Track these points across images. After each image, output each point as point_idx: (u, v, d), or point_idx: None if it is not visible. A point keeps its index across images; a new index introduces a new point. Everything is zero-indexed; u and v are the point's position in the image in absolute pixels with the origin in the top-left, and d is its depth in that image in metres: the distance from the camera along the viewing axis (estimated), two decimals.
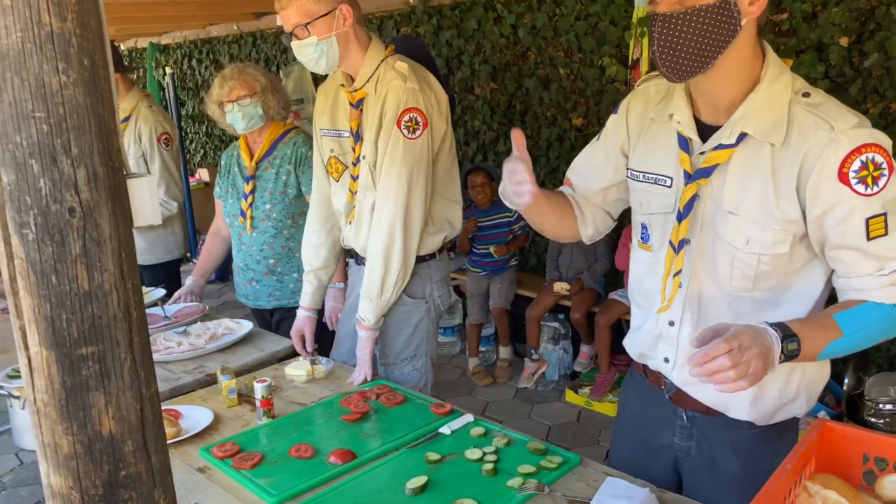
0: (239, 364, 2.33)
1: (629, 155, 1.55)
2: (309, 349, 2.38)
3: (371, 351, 2.16)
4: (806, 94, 1.31)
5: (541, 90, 4.45)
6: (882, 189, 1.24)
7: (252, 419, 1.96)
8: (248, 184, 2.73)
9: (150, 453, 1.13)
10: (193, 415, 1.96)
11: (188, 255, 7.25)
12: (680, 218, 1.41)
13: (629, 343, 1.67)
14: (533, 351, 4.16)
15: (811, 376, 1.48)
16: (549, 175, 4.54)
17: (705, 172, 1.37)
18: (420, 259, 2.18)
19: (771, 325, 1.23)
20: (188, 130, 7.81)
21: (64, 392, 1.05)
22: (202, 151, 7.83)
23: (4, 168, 0.98)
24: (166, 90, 7.13)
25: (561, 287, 4.00)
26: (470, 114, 4.88)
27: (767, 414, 1.47)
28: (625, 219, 1.68)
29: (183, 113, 7.58)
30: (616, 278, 4.07)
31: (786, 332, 1.22)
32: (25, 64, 0.95)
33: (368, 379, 2.14)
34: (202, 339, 2.50)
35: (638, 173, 1.51)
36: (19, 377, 2.15)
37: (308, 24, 1.97)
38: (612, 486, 1.48)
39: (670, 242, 1.44)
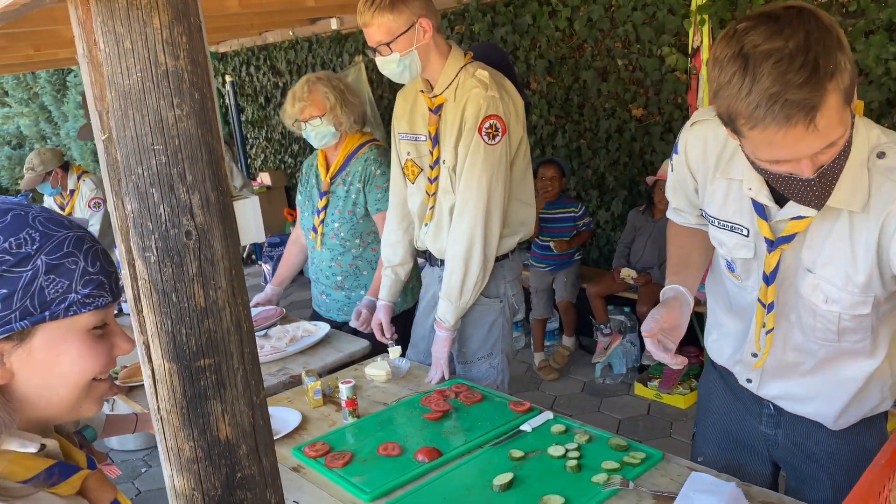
0: (319, 365, 2.42)
1: (700, 197, 1.52)
2: (387, 335, 2.44)
3: (448, 351, 2.22)
4: (881, 155, 1.24)
5: (598, 82, 4.43)
6: None
7: (338, 419, 2.04)
8: (321, 199, 2.76)
9: (261, 456, 1.21)
10: (282, 416, 2.05)
11: (253, 256, 7.48)
12: (768, 281, 1.40)
13: (711, 348, 1.69)
14: (603, 326, 4.17)
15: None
16: (610, 167, 4.53)
17: (786, 239, 1.35)
18: (495, 259, 2.23)
19: None
20: (248, 136, 8.02)
21: (185, 401, 1.13)
22: (262, 156, 8.03)
23: (128, 197, 1.07)
24: (227, 98, 7.35)
25: (628, 273, 3.98)
26: (527, 109, 4.89)
27: (851, 420, 1.51)
28: None
29: (243, 119, 7.79)
30: None
31: None
32: (145, 101, 1.03)
33: (446, 378, 2.20)
34: (283, 341, 2.60)
35: (713, 218, 1.48)
36: None
37: (390, 42, 2.04)
38: (697, 482, 1.50)
39: (759, 301, 1.43)
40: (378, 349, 2.51)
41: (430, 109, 2.19)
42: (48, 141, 10.74)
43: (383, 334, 2.46)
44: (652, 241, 3.97)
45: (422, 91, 2.23)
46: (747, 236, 1.42)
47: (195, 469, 1.16)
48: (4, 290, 0.77)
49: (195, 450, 1.15)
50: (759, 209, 1.36)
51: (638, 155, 4.37)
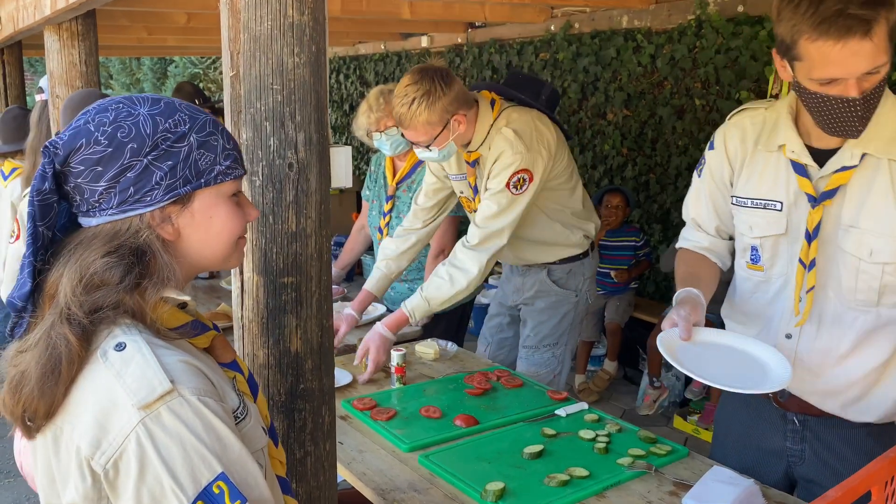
0: None
1: (734, 184, 1.63)
2: (336, 343, 2.45)
3: (394, 335, 2.30)
4: None
5: (674, 119, 4.52)
6: None
7: (386, 385, 2.19)
8: (388, 203, 2.93)
9: (322, 374, 1.36)
10: (335, 374, 2.20)
11: None
12: (809, 239, 1.48)
13: None
14: (655, 378, 4.18)
15: None
16: (676, 203, 4.59)
17: (830, 194, 1.45)
18: (575, 258, 2.44)
19: None
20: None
21: (266, 312, 1.30)
22: None
23: (245, 127, 1.25)
24: None
25: None
26: (600, 138, 5.01)
27: (888, 414, 1.52)
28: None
29: None
30: None
31: None
32: (271, 46, 1.21)
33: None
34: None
35: (745, 199, 1.59)
36: None
37: (429, 144, 2.22)
38: (717, 474, 1.57)
39: (800, 261, 1.51)
40: (427, 334, 2.66)
41: (468, 163, 2.35)
42: None
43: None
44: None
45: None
46: (780, 210, 1.52)
47: (265, 374, 1.32)
48: (170, 162, 0.94)
49: (268, 357, 1.31)
50: (801, 170, 1.48)
51: None
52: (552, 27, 5.19)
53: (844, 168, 1.43)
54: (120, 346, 0.88)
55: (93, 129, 0.92)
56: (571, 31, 5.06)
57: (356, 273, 5.40)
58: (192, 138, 0.96)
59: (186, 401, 0.87)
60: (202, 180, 0.96)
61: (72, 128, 0.94)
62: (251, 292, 1.30)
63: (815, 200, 1.47)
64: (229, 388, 0.98)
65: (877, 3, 1.24)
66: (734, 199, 1.63)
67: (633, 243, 4.36)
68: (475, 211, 2.40)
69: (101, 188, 0.92)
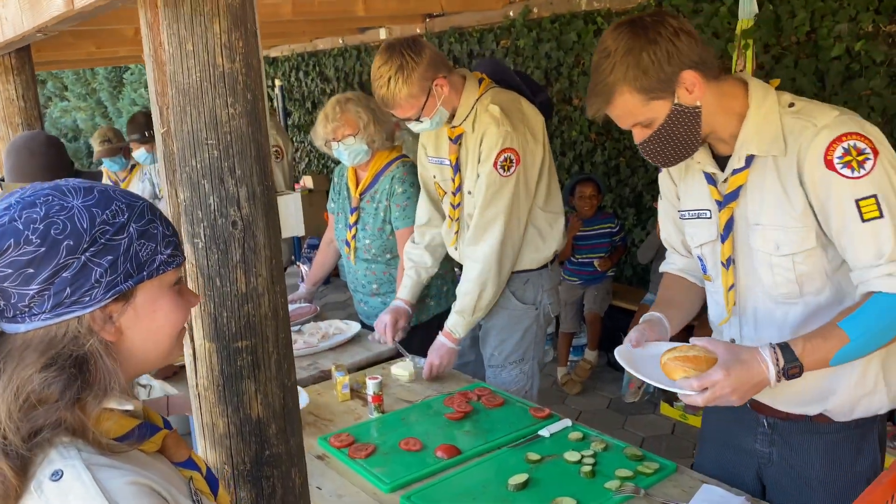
0: (349, 362, 2.50)
1: (680, 198, 1.70)
2: (388, 340, 2.49)
3: (451, 361, 2.33)
4: (791, 105, 1.46)
5: None
6: (869, 172, 1.34)
7: (363, 413, 2.12)
8: (352, 215, 2.81)
9: (289, 436, 1.29)
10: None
11: (293, 258, 7.62)
12: (723, 239, 1.56)
13: None
14: None
15: (890, 368, 1.50)
16: (648, 186, 4.55)
17: (733, 196, 1.52)
18: (532, 270, 2.34)
19: (775, 346, 1.37)
20: (294, 139, 8.20)
21: (222, 379, 1.22)
22: (307, 160, 8.21)
23: (182, 187, 1.16)
24: (275, 101, 7.53)
25: None
26: (567, 124, 4.95)
27: (845, 407, 1.51)
28: None
29: (290, 123, 7.98)
30: None
31: (787, 357, 1.35)
32: (202, 99, 1.13)
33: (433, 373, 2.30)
34: (315, 337, 2.69)
35: (685, 212, 1.67)
36: None
37: (419, 116, 2.16)
38: (707, 493, 1.54)
39: (722, 263, 1.58)
40: (404, 346, 2.58)
41: (451, 139, 2.29)
42: None
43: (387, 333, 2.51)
44: None
45: None
46: (710, 218, 1.60)
47: (227, 444, 1.24)
48: (110, 257, 0.85)
49: (228, 426, 1.23)
50: (709, 178, 1.57)
51: None
52: (511, 13, 5.09)
53: (736, 171, 1.50)
54: (56, 475, 0.79)
55: (21, 227, 0.82)
56: (531, 16, 4.97)
57: (332, 275, 5.32)
58: (131, 228, 0.87)
59: None
60: (144, 272, 0.88)
61: None
62: (204, 359, 1.22)
63: (720, 204, 1.55)
64: (184, 496, 0.90)
65: (617, 78, 1.41)
66: (680, 213, 1.70)
67: (609, 229, 4.32)
68: (453, 204, 2.34)
69: (32, 291, 0.82)
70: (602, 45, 1.44)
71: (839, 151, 1.36)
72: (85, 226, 0.84)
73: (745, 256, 1.54)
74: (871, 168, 1.34)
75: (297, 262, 7.24)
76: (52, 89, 11.72)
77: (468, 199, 2.31)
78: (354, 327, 2.77)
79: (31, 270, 0.82)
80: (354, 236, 2.84)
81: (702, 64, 1.42)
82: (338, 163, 2.87)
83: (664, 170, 1.71)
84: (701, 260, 1.66)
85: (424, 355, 2.37)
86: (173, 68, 1.11)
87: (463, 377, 2.38)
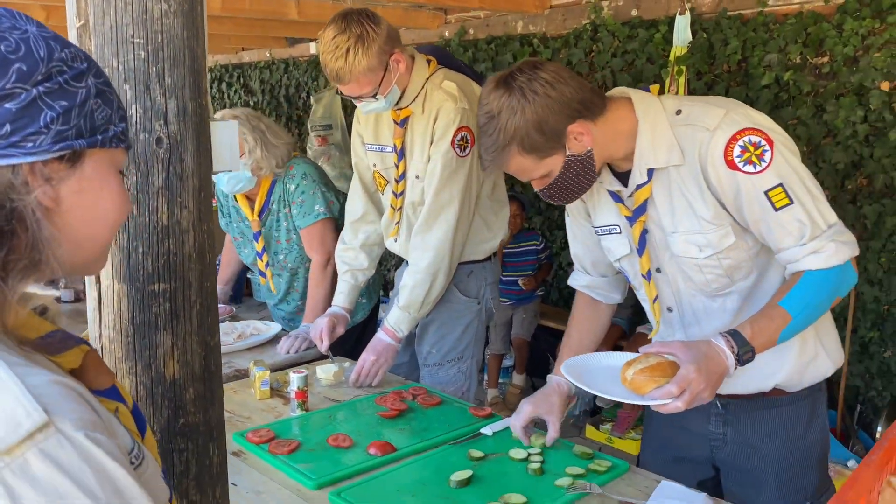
0: (268, 364, 2.28)
1: (591, 215, 1.70)
2: (324, 347, 2.23)
3: (392, 361, 2.14)
4: (678, 112, 1.46)
5: None
6: (770, 164, 1.37)
7: (284, 412, 1.91)
8: (258, 241, 2.57)
9: (208, 404, 1.09)
10: None
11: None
12: (639, 253, 1.57)
13: None
14: None
15: (823, 330, 1.56)
16: None
17: (640, 211, 1.53)
18: (476, 261, 2.20)
19: (726, 334, 1.37)
20: None
21: (132, 329, 1.02)
22: None
23: None
24: None
25: None
26: None
27: (795, 377, 1.53)
28: None
29: None
30: (642, 314, 4.01)
31: (740, 343, 1.36)
32: None
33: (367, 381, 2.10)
34: (230, 336, 2.47)
35: (598, 228, 1.68)
36: None
37: (375, 93, 1.97)
38: (667, 489, 1.43)
39: (643, 276, 1.60)
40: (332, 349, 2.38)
41: (396, 122, 2.12)
42: None
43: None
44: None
45: None
46: (620, 233, 1.60)
47: None
48: (65, 103, 0.68)
49: (137, 385, 1.03)
50: (615, 196, 1.57)
51: None
52: (446, 33, 5.06)
53: (640, 186, 1.51)
54: None
55: None
56: (466, 37, 4.95)
57: (245, 294, 4.99)
58: (90, 81, 0.71)
59: (68, 439, 0.60)
60: (98, 136, 0.71)
61: None
62: (111, 305, 1.02)
63: (630, 220, 1.55)
64: (116, 421, 0.71)
65: (506, 141, 1.42)
66: (595, 230, 1.69)
67: (535, 247, 4.26)
68: (395, 193, 2.17)
69: None
70: (485, 107, 1.44)
71: (737, 150, 1.38)
72: (42, 55, 0.67)
73: (671, 262, 1.54)
74: (771, 159, 1.37)
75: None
76: None
77: (414, 185, 2.14)
78: (274, 328, 2.56)
79: None
80: (268, 264, 2.62)
81: (584, 109, 1.43)
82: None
83: None
84: (624, 272, 1.68)
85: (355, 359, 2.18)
86: None
87: (395, 379, 2.21)
